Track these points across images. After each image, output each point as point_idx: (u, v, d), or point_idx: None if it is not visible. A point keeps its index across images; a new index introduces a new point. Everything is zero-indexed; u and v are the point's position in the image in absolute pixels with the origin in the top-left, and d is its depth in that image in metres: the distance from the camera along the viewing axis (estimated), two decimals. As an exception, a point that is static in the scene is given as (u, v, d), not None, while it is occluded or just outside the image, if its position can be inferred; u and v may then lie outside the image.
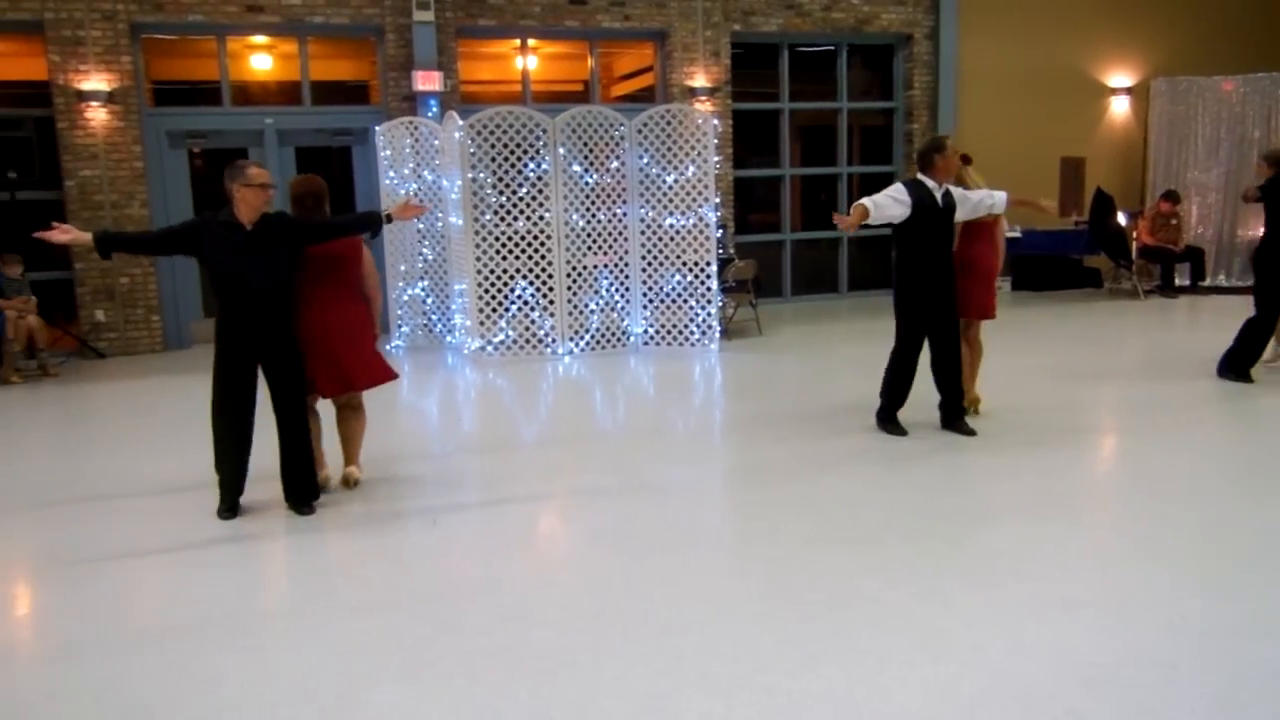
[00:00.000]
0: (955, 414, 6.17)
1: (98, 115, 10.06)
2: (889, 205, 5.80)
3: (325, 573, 4.27)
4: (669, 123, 9.24)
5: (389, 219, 5.16)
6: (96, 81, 10.00)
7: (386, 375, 5.22)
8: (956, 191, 6.01)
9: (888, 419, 6.20)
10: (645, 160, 9.25)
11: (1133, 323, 10.59)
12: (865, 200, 5.77)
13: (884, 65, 13.33)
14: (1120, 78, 13.72)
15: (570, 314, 9.27)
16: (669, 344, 9.45)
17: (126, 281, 10.38)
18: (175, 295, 10.77)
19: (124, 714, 3.05)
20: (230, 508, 4.91)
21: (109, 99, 10.06)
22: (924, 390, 6.16)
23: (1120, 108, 13.79)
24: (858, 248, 13.39)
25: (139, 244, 5.94)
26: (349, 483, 5.27)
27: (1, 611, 3.98)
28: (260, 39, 11.19)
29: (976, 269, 6.29)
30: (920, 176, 5.94)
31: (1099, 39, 13.55)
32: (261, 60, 11.60)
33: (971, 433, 6.06)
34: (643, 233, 9.34)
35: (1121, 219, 12.53)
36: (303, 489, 4.94)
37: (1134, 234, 12.53)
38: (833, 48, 12.96)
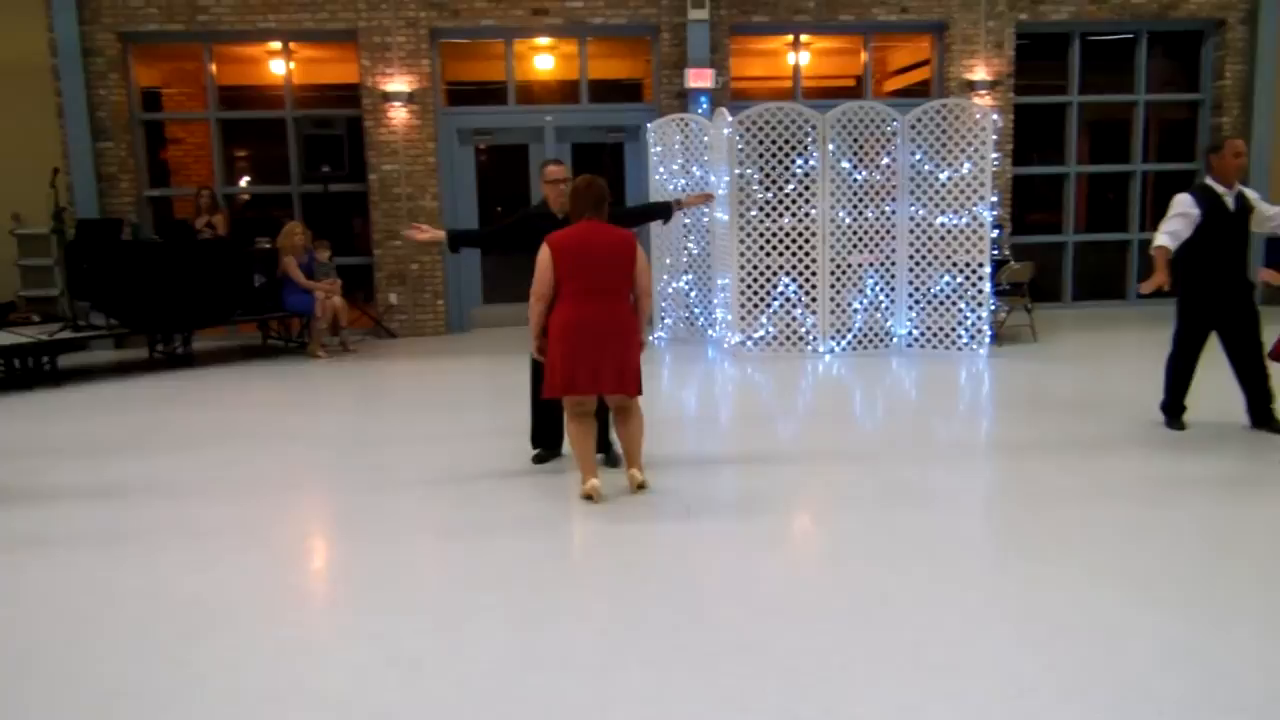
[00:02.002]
0: (1264, 412, 5.89)
1: (399, 115, 10.92)
2: (1183, 227, 5.64)
3: (579, 553, 4.42)
4: (945, 118, 8.89)
5: (680, 205, 5.61)
6: (399, 83, 10.86)
7: (634, 389, 5.05)
8: (1253, 196, 5.62)
9: (1170, 411, 6.10)
10: (918, 156, 8.95)
11: None
12: (1161, 239, 5.70)
13: (1189, 54, 12.21)
14: None
15: (833, 312, 9.12)
16: (934, 347, 9.11)
17: (416, 268, 11.21)
18: (459, 282, 11.53)
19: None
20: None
21: (409, 99, 10.89)
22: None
23: None
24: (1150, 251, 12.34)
25: (480, 240, 6.55)
26: (635, 485, 5.08)
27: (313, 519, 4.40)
28: (543, 40, 11.75)
29: None
30: (1208, 180, 5.62)
31: None
32: (544, 61, 12.18)
33: None
34: (911, 231, 9.04)
35: None
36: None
37: None
38: (1131, 35, 12.01)
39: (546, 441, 5.68)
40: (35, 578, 4.19)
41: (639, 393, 5.08)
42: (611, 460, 5.60)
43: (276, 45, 11.30)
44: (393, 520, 4.83)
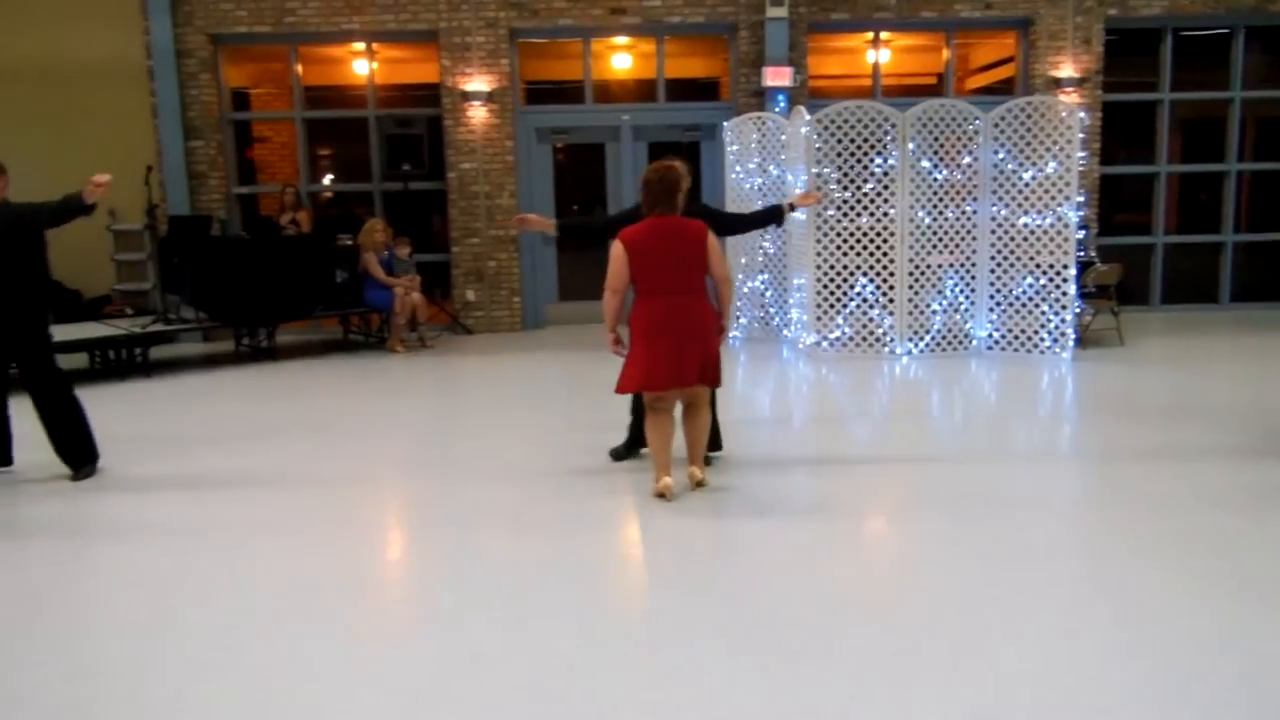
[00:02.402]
0: None
1: (478, 114, 11.05)
2: None
3: (649, 550, 4.41)
4: (1029, 116, 8.69)
5: (791, 208, 5.62)
6: (478, 83, 10.99)
7: (716, 381, 5.09)
8: None
9: None
10: (1001, 155, 8.77)
11: None
12: None
13: (1291, 49, 11.76)
14: None
15: (910, 313, 8.99)
16: (1016, 350, 8.91)
17: (493, 265, 11.34)
18: (535, 279, 11.62)
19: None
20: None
21: (488, 99, 11.02)
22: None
23: None
24: (1244, 253, 11.94)
25: (590, 232, 6.62)
26: (694, 483, 5.09)
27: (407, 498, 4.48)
28: (621, 40, 11.79)
29: None
30: None
31: None
32: (621, 60, 12.22)
33: None
34: (993, 232, 8.86)
35: None
36: None
37: None
38: (1227, 30, 11.61)
39: (642, 441, 5.57)
40: (123, 565, 4.33)
41: (718, 384, 5.09)
42: (628, 455, 5.60)
43: (360, 46, 11.52)
44: (467, 513, 4.88)
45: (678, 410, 5.20)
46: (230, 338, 10.49)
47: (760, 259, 10.17)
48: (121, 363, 9.07)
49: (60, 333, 9.01)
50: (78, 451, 5.56)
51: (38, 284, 5.46)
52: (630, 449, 5.70)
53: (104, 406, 7.53)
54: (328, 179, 13.06)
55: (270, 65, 12.29)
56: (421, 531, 4.82)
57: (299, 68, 11.45)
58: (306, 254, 9.99)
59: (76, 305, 11.20)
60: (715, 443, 5.55)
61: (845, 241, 8.91)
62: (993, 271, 8.92)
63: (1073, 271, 8.64)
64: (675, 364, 4.88)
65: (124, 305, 11.22)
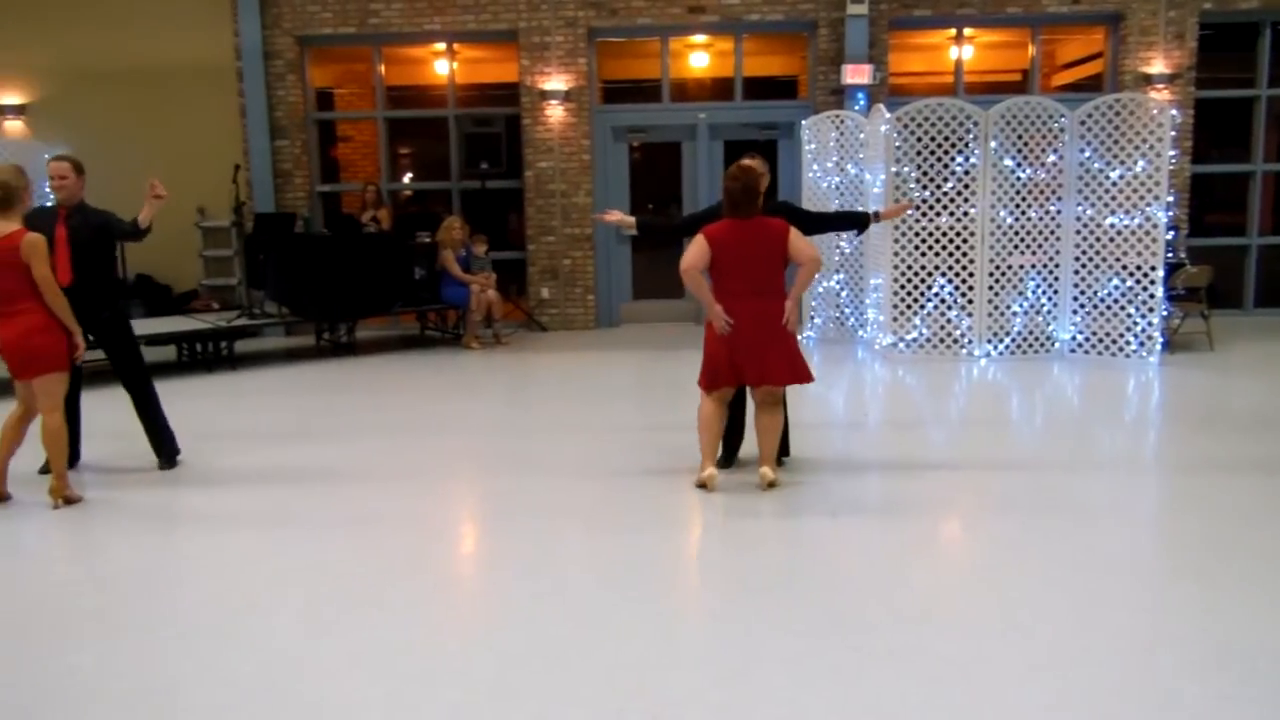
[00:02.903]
0: None
1: (555, 113, 11.13)
2: None
3: (721, 551, 4.40)
4: (1118, 113, 8.45)
5: (877, 217, 5.62)
6: (556, 82, 11.07)
7: (807, 376, 5.12)
8: None
9: None
10: (1087, 154, 8.55)
11: None
12: None
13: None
14: None
15: (990, 315, 8.81)
16: (1100, 353, 8.67)
17: (569, 263, 11.41)
18: (610, 278, 11.66)
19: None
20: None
21: (565, 98, 11.09)
22: None
23: None
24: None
25: (670, 230, 6.61)
26: (765, 483, 5.05)
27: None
28: (699, 38, 11.76)
29: None
30: None
31: None
32: (698, 58, 12.20)
33: None
34: (1078, 232, 8.64)
35: None
36: None
37: None
38: (1330, 24, 11.15)
39: (726, 449, 5.49)
40: (205, 554, 4.45)
41: (810, 379, 5.14)
42: (728, 462, 5.51)
43: (441, 46, 11.68)
44: (540, 510, 4.92)
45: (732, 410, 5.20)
46: (311, 333, 10.72)
47: (836, 258, 10.06)
48: (208, 356, 9.34)
49: (150, 326, 9.34)
50: (161, 442, 5.73)
51: (111, 283, 5.67)
52: (728, 459, 5.57)
53: (191, 398, 7.77)
54: (407, 177, 13.28)
55: (354, 66, 12.53)
56: (496, 527, 4.88)
57: (381, 68, 11.65)
58: (386, 251, 10.16)
59: (166, 299, 11.57)
60: (783, 447, 5.50)
61: (924, 241, 8.77)
62: (1077, 273, 8.69)
63: (1161, 273, 8.38)
64: (745, 362, 4.96)
65: (211, 300, 11.54)
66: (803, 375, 5.10)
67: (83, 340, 5.06)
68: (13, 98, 11.55)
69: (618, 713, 2.94)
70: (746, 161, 5.13)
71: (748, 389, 5.24)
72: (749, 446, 5.50)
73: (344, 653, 3.36)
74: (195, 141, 11.43)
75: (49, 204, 5.82)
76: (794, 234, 4.94)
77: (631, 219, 5.79)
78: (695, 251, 4.93)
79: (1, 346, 4.89)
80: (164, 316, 10.59)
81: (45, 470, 5.37)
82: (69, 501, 4.99)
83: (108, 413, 6.30)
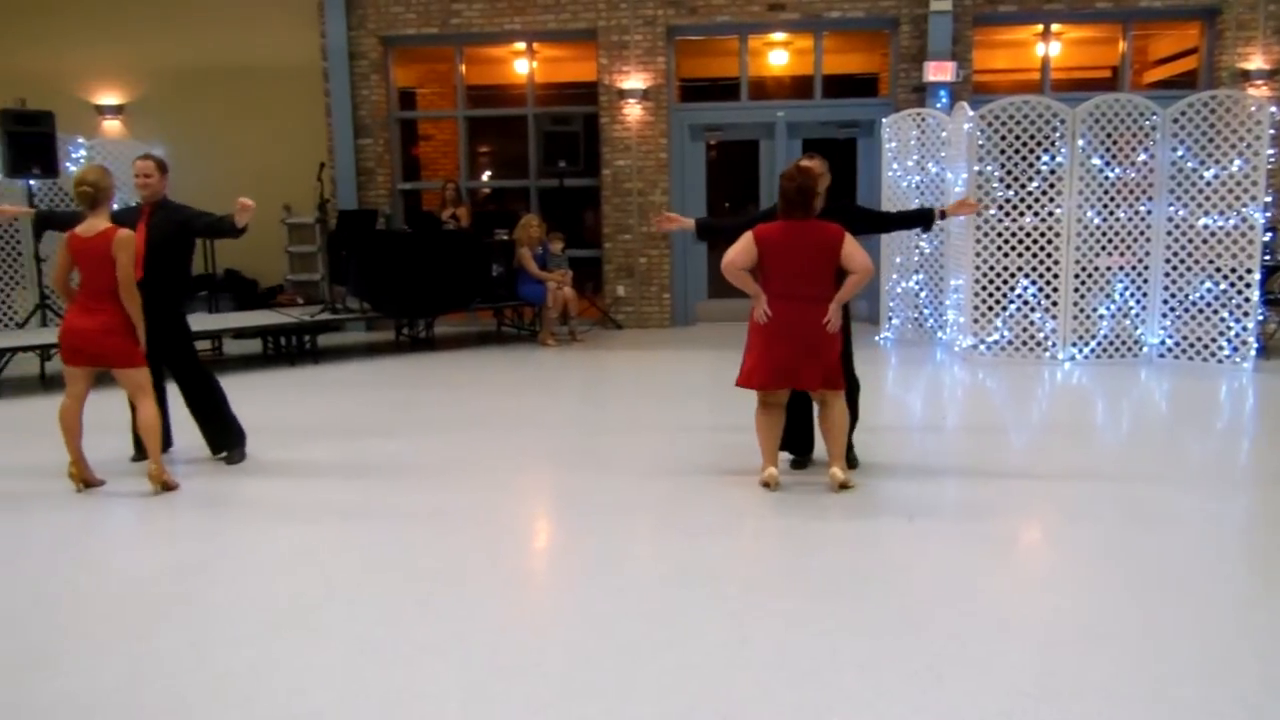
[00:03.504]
0: None
1: (633, 111, 11.15)
2: None
3: (794, 552, 4.36)
4: (1213, 111, 8.18)
5: (943, 215, 5.49)
6: (635, 80, 11.09)
7: (840, 386, 5.01)
8: None
9: None
10: (1180, 153, 8.28)
11: None
12: None
13: None
14: None
15: (1075, 317, 8.59)
16: (1190, 358, 8.40)
17: (645, 262, 11.43)
18: (685, 276, 11.66)
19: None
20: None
21: (644, 96, 11.11)
22: None
23: None
24: None
25: (728, 232, 6.28)
26: (836, 485, 4.98)
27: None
28: (778, 36, 11.68)
29: None
30: None
31: None
32: (778, 56, 12.12)
33: None
34: (1169, 233, 8.38)
35: None
36: None
37: None
38: None
39: (797, 446, 5.48)
40: (286, 543, 4.56)
41: (840, 388, 5.03)
42: (799, 463, 5.47)
43: (521, 45, 11.79)
44: (612, 508, 4.93)
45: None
46: (391, 328, 10.92)
47: (916, 259, 9.91)
48: (291, 350, 9.57)
49: (237, 319, 9.61)
50: (222, 436, 5.83)
51: (181, 281, 5.78)
52: (799, 454, 5.53)
53: (275, 391, 7.97)
54: (486, 175, 13.43)
55: (435, 66, 12.73)
56: (568, 523, 4.91)
57: (463, 68, 11.80)
58: (465, 248, 10.29)
59: (253, 293, 11.89)
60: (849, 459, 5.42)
61: (1007, 242, 8.59)
62: (1167, 275, 8.43)
63: (1257, 276, 8.09)
64: (788, 366, 4.92)
65: (295, 295, 11.82)
66: (835, 383, 4.98)
67: (143, 338, 5.18)
68: (111, 98, 11.98)
69: (687, 711, 2.94)
70: (804, 162, 5.09)
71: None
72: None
73: (420, 643, 3.40)
74: (282, 140, 11.72)
75: (133, 204, 5.98)
76: (849, 241, 4.86)
77: (690, 221, 5.75)
78: (739, 248, 4.91)
79: (78, 335, 5.04)
80: (250, 310, 10.88)
81: (138, 458, 5.58)
82: (167, 487, 5.15)
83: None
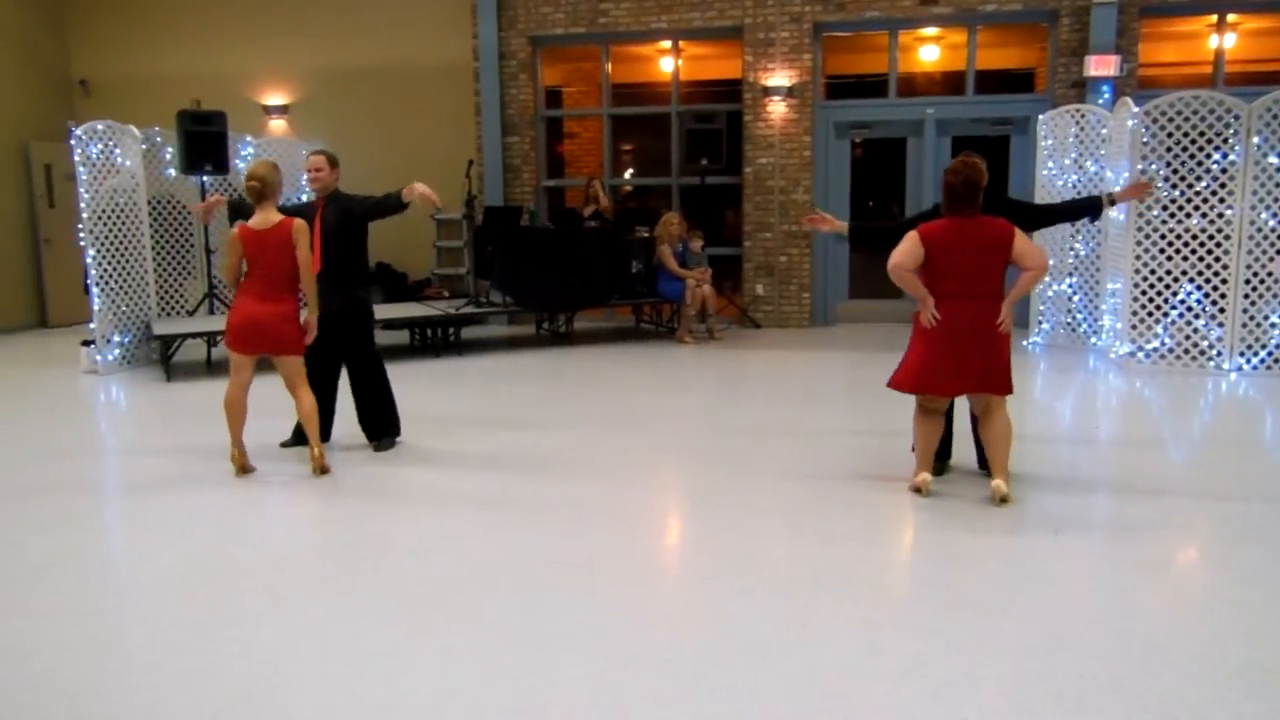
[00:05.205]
0: None
1: (777, 108, 11.05)
2: None
3: (934, 563, 4.24)
4: None
5: (1111, 201, 5.33)
6: (780, 78, 10.99)
7: (1004, 388, 4.84)
8: None
9: None
10: (1369, 151, 7.69)
11: None
12: None
13: None
14: None
15: (1245, 325, 8.08)
16: (1375, 373, 7.79)
17: (785, 260, 11.31)
18: (826, 276, 11.49)
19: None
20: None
21: (788, 93, 10.99)
22: None
23: None
24: None
25: (882, 235, 5.54)
26: (998, 498, 4.78)
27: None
28: (930, 31, 11.38)
29: None
30: None
31: None
32: (928, 52, 11.80)
33: None
34: (1355, 237, 7.79)
35: None
36: None
37: None
38: None
39: (937, 452, 5.24)
40: (425, 530, 4.70)
41: (1009, 391, 4.84)
42: (937, 469, 5.22)
43: (666, 44, 11.84)
44: (747, 508, 4.91)
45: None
46: (531, 322, 11.12)
47: (1070, 260, 9.50)
48: (436, 341, 9.87)
49: (387, 311, 9.96)
50: (382, 424, 6.05)
51: (360, 268, 6.01)
52: (940, 466, 5.33)
53: (420, 381, 8.23)
54: (628, 173, 13.55)
55: (581, 64, 12.90)
56: (702, 521, 4.90)
57: (609, 66, 11.92)
58: (606, 245, 10.40)
59: (402, 286, 12.30)
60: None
61: (1170, 244, 8.14)
62: (1351, 283, 7.84)
63: None
64: (955, 370, 4.77)
65: (442, 289, 12.18)
66: (998, 386, 4.83)
67: (316, 325, 5.43)
68: (277, 98, 12.60)
69: (814, 715, 2.90)
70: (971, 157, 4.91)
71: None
72: (963, 454, 5.31)
73: (553, 631, 3.46)
74: (433, 137, 12.09)
75: (303, 198, 6.27)
76: (1020, 236, 4.69)
77: (842, 224, 5.56)
78: (906, 249, 4.74)
79: (255, 322, 5.28)
80: (399, 303, 11.27)
81: (288, 444, 5.87)
82: (324, 471, 5.39)
83: (344, 395, 6.75)
